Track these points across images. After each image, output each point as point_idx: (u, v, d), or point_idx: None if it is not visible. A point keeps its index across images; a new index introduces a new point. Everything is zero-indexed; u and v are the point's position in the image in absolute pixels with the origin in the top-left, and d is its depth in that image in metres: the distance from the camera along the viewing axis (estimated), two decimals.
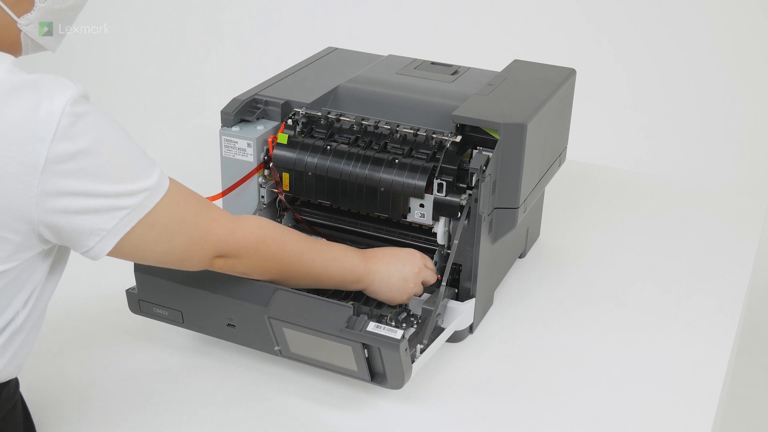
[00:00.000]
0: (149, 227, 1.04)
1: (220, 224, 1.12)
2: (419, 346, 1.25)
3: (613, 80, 3.48)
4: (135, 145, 1.04)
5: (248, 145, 1.41)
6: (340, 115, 1.42)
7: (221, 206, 1.47)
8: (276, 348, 1.24)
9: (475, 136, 1.36)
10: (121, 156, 1.01)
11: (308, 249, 1.24)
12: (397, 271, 1.31)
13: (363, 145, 1.40)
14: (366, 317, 1.16)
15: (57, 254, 1.08)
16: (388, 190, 1.36)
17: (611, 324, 1.46)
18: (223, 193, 1.44)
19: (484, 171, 1.31)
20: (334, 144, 1.40)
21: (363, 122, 1.41)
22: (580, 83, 1.69)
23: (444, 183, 1.33)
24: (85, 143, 0.97)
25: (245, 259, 1.16)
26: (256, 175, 1.43)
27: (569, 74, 1.56)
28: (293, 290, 1.22)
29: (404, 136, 1.39)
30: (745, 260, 1.65)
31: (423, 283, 1.34)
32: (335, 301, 1.20)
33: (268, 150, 1.43)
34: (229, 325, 1.26)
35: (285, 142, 1.41)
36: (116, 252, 1.04)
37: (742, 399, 2.29)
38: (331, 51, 1.71)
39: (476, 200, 1.32)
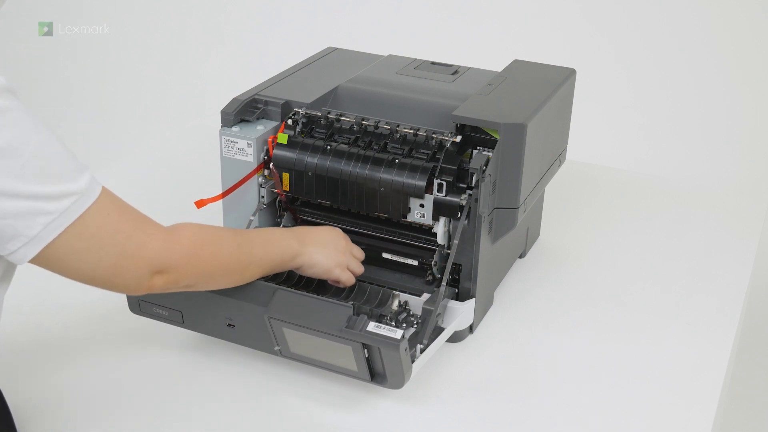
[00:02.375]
0: (77, 236, 0.99)
1: (155, 238, 1.07)
2: (419, 346, 1.25)
3: (613, 80, 3.48)
4: (62, 148, 0.99)
5: (248, 145, 1.41)
6: (340, 115, 1.42)
7: (221, 207, 1.47)
8: (276, 348, 1.24)
9: (475, 136, 1.36)
10: (45, 157, 0.95)
11: (243, 240, 1.21)
12: (328, 241, 1.32)
13: (363, 145, 1.40)
14: (366, 317, 1.16)
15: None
16: (388, 190, 1.36)
17: (611, 324, 1.46)
18: (224, 194, 1.44)
19: (484, 171, 1.31)
20: (334, 144, 1.40)
21: (363, 122, 1.41)
22: (580, 83, 1.69)
23: (444, 183, 1.33)
24: (5, 140, 0.92)
25: (187, 269, 1.10)
26: (256, 176, 1.43)
27: (569, 74, 1.56)
28: (293, 290, 1.22)
29: (404, 136, 1.39)
30: (745, 260, 1.65)
31: (355, 255, 1.36)
32: (335, 301, 1.21)
33: (268, 150, 1.43)
34: (229, 325, 1.26)
35: (285, 142, 1.41)
36: (42, 261, 0.99)
37: (742, 399, 2.29)
38: (331, 51, 1.71)
39: (476, 200, 1.32)
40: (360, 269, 1.37)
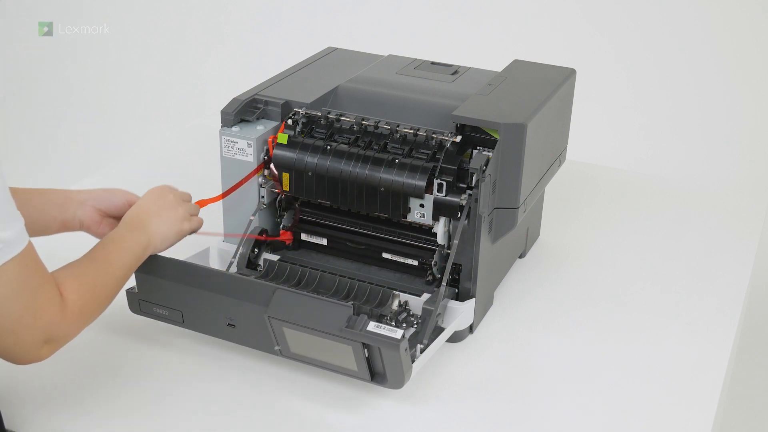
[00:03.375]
0: None
1: (54, 306, 1.06)
2: (419, 346, 1.25)
3: (613, 80, 3.48)
4: (3, 194, 0.98)
5: (248, 145, 1.41)
6: (340, 115, 1.42)
7: (221, 207, 1.47)
8: (276, 348, 1.24)
9: (475, 136, 1.36)
10: None
11: (106, 268, 1.17)
12: (160, 208, 1.29)
13: (363, 145, 1.40)
14: (366, 317, 1.16)
15: None
16: (388, 190, 1.36)
17: (611, 324, 1.46)
18: (224, 194, 1.45)
19: (484, 171, 1.31)
20: (334, 144, 1.40)
21: (363, 122, 1.41)
22: (580, 83, 1.69)
23: (444, 183, 1.33)
24: None
25: (74, 332, 1.11)
26: (256, 176, 1.43)
27: (569, 74, 1.56)
28: (293, 290, 1.22)
29: (404, 136, 1.39)
30: (745, 260, 1.65)
31: (190, 213, 1.34)
32: (335, 300, 1.21)
33: (268, 150, 1.43)
34: (229, 325, 1.26)
35: (285, 142, 1.41)
36: None
37: (742, 399, 2.29)
38: (331, 51, 1.71)
39: (476, 200, 1.32)
40: (200, 222, 1.35)
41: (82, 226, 1.33)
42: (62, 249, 1.31)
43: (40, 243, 1.13)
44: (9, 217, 0.99)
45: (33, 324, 1.04)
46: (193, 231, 1.34)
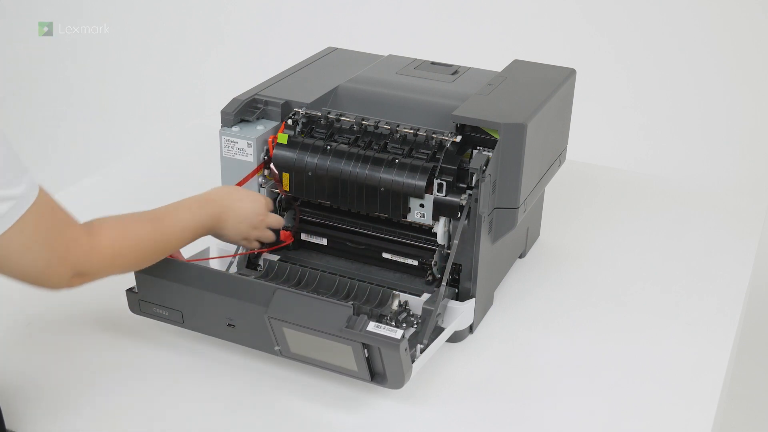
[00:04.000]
0: (13, 236, 1.02)
1: (80, 244, 1.10)
2: (419, 346, 1.25)
3: (613, 80, 3.48)
4: (8, 152, 1.01)
5: (248, 145, 1.41)
6: (340, 115, 1.42)
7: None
8: (276, 348, 1.24)
9: (475, 136, 1.36)
10: None
11: (160, 233, 1.23)
12: (245, 217, 1.34)
13: (363, 145, 1.40)
14: (366, 317, 1.16)
15: None
16: (388, 190, 1.36)
17: (611, 324, 1.46)
18: None
19: (484, 171, 1.31)
20: (334, 144, 1.40)
21: (363, 122, 1.41)
22: (580, 83, 1.69)
23: (444, 183, 1.33)
24: None
25: (104, 271, 1.15)
26: (256, 176, 1.43)
27: (569, 74, 1.56)
28: (293, 290, 1.22)
29: (404, 136, 1.39)
30: (745, 260, 1.65)
31: (269, 226, 1.39)
32: (335, 301, 1.21)
33: (268, 150, 1.43)
34: (229, 325, 1.26)
35: (285, 142, 1.41)
36: None
37: (742, 399, 2.29)
38: (331, 51, 1.71)
39: (476, 200, 1.32)
40: (270, 238, 1.41)
41: None
42: None
43: None
44: (17, 173, 1.02)
45: (60, 264, 1.08)
46: (260, 241, 1.39)
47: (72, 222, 1.11)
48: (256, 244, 1.39)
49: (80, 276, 1.12)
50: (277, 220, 1.41)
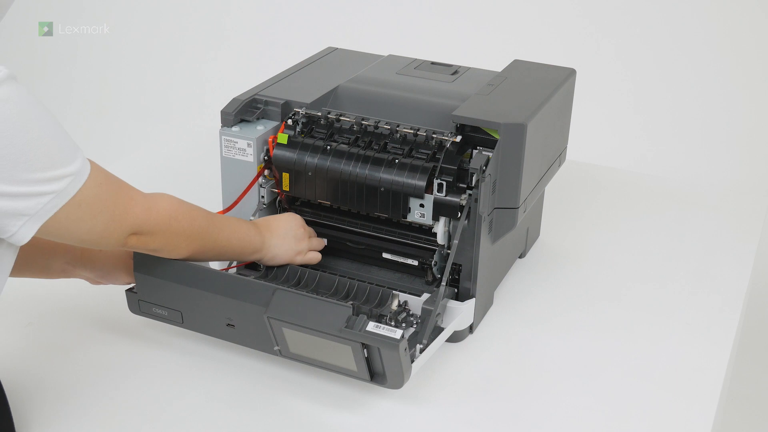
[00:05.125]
0: (74, 209, 1.06)
1: (137, 202, 1.15)
2: (419, 346, 1.25)
3: (613, 80, 3.48)
4: (60, 131, 1.04)
5: (248, 145, 1.41)
6: (340, 115, 1.42)
7: (221, 206, 1.47)
8: (276, 348, 1.24)
9: (475, 136, 1.36)
10: (45, 143, 1.01)
11: (213, 224, 1.27)
12: (287, 233, 1.38)
13: (363, 145, 1.40)
14: (365, 317, 1.16)
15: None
16: (388, 190, 1.36)
17: (611, 324, 1.46)
18: (233, 205, 1.44)
19: (484, 171, 1.31)
20: (334, 144, 1.40)
21: (363, 122, 1.41)
22: (580, 83, 1.69)
23: (444, 183, 1.33)
24: (7, 129, 0.96)
25: (158, 236, 1.19)
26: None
27: (569, 74, 1.56)
28: (293, 290, 1.22)
29: (404, 136, 1.39)
30: (745, 260, 1.65)
31: (313, 239, 1.44)
32: (335, 301, 1.21)
33: (268, 150, 1.43)
34: (228, 325, 1.26)
35: (285, 142, 1.41)
36: (39, 233, 1.05)
37: (742, 399, 2.29)
38: (331, 51, 1.71)
39: (476, 200, 1.32)
40: (321, 245, 1.45)
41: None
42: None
43: None
44: (70, 153, 1.04)
45: (119, 225, 1.13)
46: (305, 264, 1.41)
47: (126, 185, 1.15)
48: (311, 256, 1.41)
49: (137, 235, 1.16)
50: (317, 243, 1.44)
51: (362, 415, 1.25)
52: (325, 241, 1.46)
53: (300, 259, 1.40)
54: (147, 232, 1.17)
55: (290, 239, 1.38)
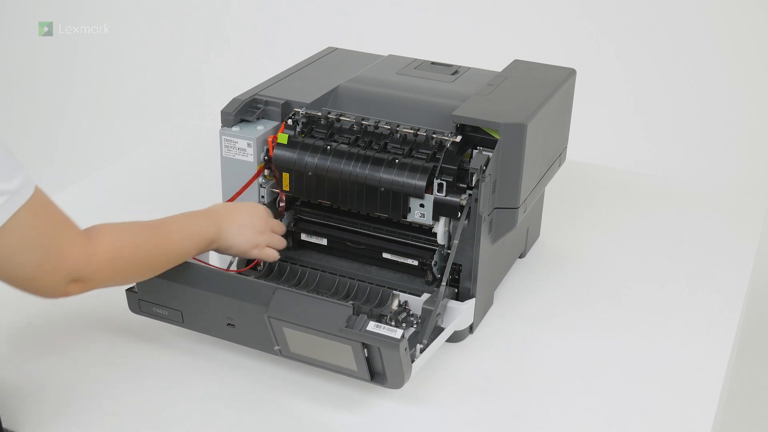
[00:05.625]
0: (6, 236, 0.99)
1: (77, 247, 1.07)
2: (419, 346, 1.25)
3: (613, 80, 3.48)
4: (1, 147, 0.99)
5: (248, 145, 1.41)
6: (340, 115, 1.42)
7: None
8: (276, 348, 1.24)
9: (475, 136, 1.36)
10: None
11: (159, 238, 1.20)
12: (247, 223, 1.31)
13: (363, 145, 1.40)
14: (366, 317, 1.16)
15: None
16: (388, 190, 1.36)
17: (611, 324, 1.46)
18: (231, 199, 1.44)
19: (484, 171, 1.31)
20: (334, 144, 1.40)
21: (363, 122, 1.41)
22: (580, 83, 1.69)
23: (444, 183, 1.33)
24: None
25: (104, 279, 1.12)
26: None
27: (569, 74, 1.56)
28: (293, 290, 1.22)
29: (404, 136, 1.39)
30: (745, 260, 1.65)
31: (274, 233, 1.37)
32: (335, 300, 1.21)
33: (268, 150, 1.43)
34: (229, 324, 1.26)
35: (285, 142, 1.41)
36: None
37: (742, 399, 2.29)
38: (331, 51, 1.71)
39: (476, 200, 1.32)
40: (281, 244, 1.38)
41: None
42: None
43: None
44: (11, 168, 0.99)
45: (55, 268, 1.04)
46: (271, 247, 1.36)
47: (69, 224, 1.08)
48: (268, 252, 1.35)
49: (78, 282, 1.08)
50: (280, 225, 1.40)
51: (362, 415, 1.25)
52: (285, 242, 1.40)
53: (256, 253, 1.33)
54: (89, 278, 1.09)
55: (249, 230, 1.32)
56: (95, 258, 1.09)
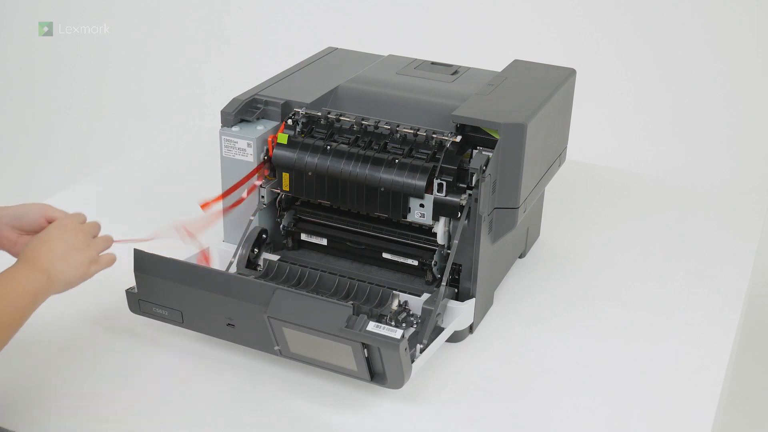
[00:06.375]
0: None
1: None
2: (419, 346, 1.25)
3: (613, 80, 3.48)
4: None
5: (248, 145, 1.41)
6: (340, 115, 1.42)
7: (221, 207, 1.47)
8: (276, 348, 1.24)
9: (475, 136, 1.36)
10: None
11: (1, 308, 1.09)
12: (66, 248, 1.18)
13: (363, 145, 1.40)
14: (366, 317, 1.16)
15: None
16: (388, 190, 1.36)
17: (611, 324, 1.46)
18: (226, 193, 1.44)
19: (484, 171, 1.31)
20: (334, 144, 1.40)
21: (363, 122, 1.41)
22: (580, 83, 1.69)
23: (444, 183, 1.33)
24: None
25: None
26: (256, 175, 1.43)
27: (569, 74, 1.56)
28: (293, 290, 1.22)
29: (404, 136, 1.39)
30: (745, 260, 1.65)
31: (96, 238, 1.25)
32: (335, 300, 1.21)
33: (268, 150, 1.43)
34: (229, 325, 1.26)
35: (285, 142, 1.41)
36: None
37: (742, 399, 2.29)
38: (331, 51, 1.71)
39: (476, 200, 1.32)
40: (108, 242, 1.27)
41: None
42: None
43: None
44: None
45: None
46: (101, 270, 1.25)
47: None
48: (106, 260, 1.24)
49: None
50: (91, 225, 1.25)
51: (362, 415, 1.25)
52: (112, 238, 1.28)
53: (95, 269, 1.22)
54: None
55: (73, 253, 1.18)
56: None
